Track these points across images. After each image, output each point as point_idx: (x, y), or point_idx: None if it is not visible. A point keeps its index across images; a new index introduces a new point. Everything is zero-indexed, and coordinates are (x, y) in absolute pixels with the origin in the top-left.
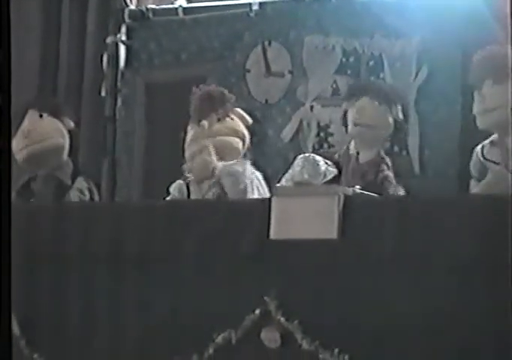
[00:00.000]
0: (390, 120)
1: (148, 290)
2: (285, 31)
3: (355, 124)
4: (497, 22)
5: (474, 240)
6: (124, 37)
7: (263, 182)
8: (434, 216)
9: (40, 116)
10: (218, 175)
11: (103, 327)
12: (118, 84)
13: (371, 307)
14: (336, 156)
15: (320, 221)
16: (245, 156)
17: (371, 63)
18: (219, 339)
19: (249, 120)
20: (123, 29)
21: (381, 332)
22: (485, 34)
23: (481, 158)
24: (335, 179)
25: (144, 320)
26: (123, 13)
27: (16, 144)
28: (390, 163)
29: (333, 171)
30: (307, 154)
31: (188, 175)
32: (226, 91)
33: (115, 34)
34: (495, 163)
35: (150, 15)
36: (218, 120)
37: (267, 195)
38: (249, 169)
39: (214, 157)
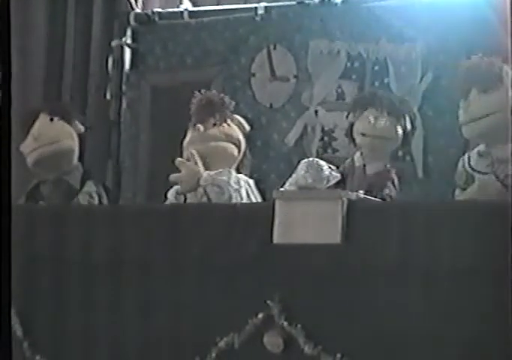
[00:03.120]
0: (399, 131)
1: (150, 294)
2: (290, 36)
3: (364, 135)
4: (502, 26)
5: (478, 246)
6: (129, 41)
7: (255, 190)
8: (437, 221)
9: (51, 120)
10: (204, 185)
11: (105, 330)
12: (124, 87)
13: (374, 312)
14: (341, 168)
15: (324, 226)
16: (241, 163)
17: (376, 68)
18: (222, 343)
19: (247, 127)
20: (128, 32)
21: (384, 337)
22: (490, 38)
23: (468, 168)
24: (339, 184)
25: (146, 324)
26: (129, 16)
27: (27, 147)
28: (395, 178)
29: (337, 176)
30: (311, 159)
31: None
32: (226, 98)
33: (121, 38)
34: (482, 173)
35: (156, 18)
36: (214, 125)
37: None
38: (234, 177)
39: (200, 166)
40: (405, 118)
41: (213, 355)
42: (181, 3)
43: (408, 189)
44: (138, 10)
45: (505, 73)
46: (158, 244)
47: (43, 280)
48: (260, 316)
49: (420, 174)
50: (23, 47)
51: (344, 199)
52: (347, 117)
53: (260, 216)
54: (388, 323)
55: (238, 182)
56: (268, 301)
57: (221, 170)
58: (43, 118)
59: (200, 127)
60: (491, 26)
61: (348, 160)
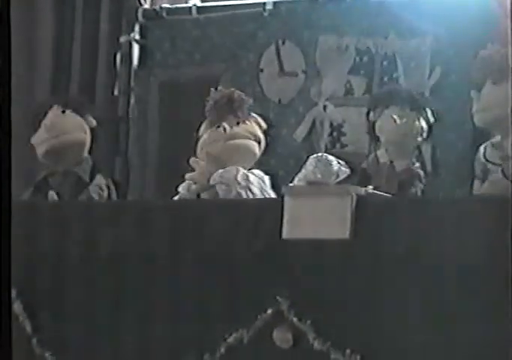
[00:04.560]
0: (423, 125)
1: (158, 290)
2: (299, 31)
3: (389, 134)
4: (509, 21)
5: (488, 240)
6: (137, 37)
7: (267, 187)
8: (447, 216)
9: (63, 112)
10: (213, 184)
11: (112, 326)
12: (132, 83)
13: (383, 308)
14: (364, 164)
15: (333, 221)
16: (258, 160)
17: (384, 63)
18: (231, 339)
19: (264, 125)
20: (137, 28)
21: (393, 332)
22: (499, 33)
23: (483, 159)
24: (348, 179)
25: (154, 320)
26: (137, 12)
27: (38, 138)
28: (422, 174)
29: (346, 171)
30: (320, 154)
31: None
32: (244, 95)
33: (129, 33)
34: (496, 164)
35: (164, 14)
36: (237, 123)
37: None
38: (242, 174)
39: (213, 165)
40: (426, 112)
41: (222, 351)
42: None
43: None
44: (146, 6)
45: None
46: (166, 240)
47: (52, 276)
48: (270, 311)
49: (429, 169)
50: (31, 43)
51: (353, 194)
52: (367, 115)
53: (269, 212)
54: (397, 318)
55: (247, 179)
56: (277, 297)
57: (228, 168)
58: (55, 110)
59: (226, 126)
60: (499, 21)
61: (372, 156)
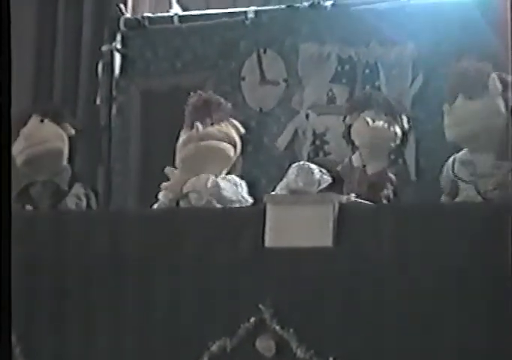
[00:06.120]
0: (397, 130)
1: (144, 299)
2: (280, 39)
3: (363, 136)
4: (492, 28)
5: (470, 248)
6: (119, 46)
7: (243, 191)
8: (429, 223)
9: (41, 121)
10: (187, 192)
11: (98, 335)
12: (114, 92)
13: (366, 315)
14: (339, 168)
15: (315, 229)
16: (234, 165)
17: (366, 71)
18: (214, 347)
19: (242, 130)
20: (118, 37)
21: (376, 340)
22: (480, 41)
23: (451, 175)
24: (330, 187)
25: (140, 328)
26: (118, 21)
27: (17, 147)
28: (394, 178)
29: (328, 179)
30: (302, 162)
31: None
32: (223, 100)
33: (111, 43)
34: (465, 181)
35: (145, 23)
36: (212, 124)
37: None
38: (212, 181)
39: (187, 171)
40: (401, 118)
41: (205, 359)
42: (171, 7)
43: (401, 191)
44: (128, 15)
45: (492, 81)
46: (149, 249)
47: (36, 286)
48: (252, 320)
49: (413, 176)
50: (13, 52)
51: (336, 202)
52: (344, 119)
53: (252, 220)
54: (380, 326)
55: (217, 185)
56: (260, 305)
57: (200, 176)
58: (34, 120)
59: (199, 125)
60: (481, 29)
61: (346, 161)
